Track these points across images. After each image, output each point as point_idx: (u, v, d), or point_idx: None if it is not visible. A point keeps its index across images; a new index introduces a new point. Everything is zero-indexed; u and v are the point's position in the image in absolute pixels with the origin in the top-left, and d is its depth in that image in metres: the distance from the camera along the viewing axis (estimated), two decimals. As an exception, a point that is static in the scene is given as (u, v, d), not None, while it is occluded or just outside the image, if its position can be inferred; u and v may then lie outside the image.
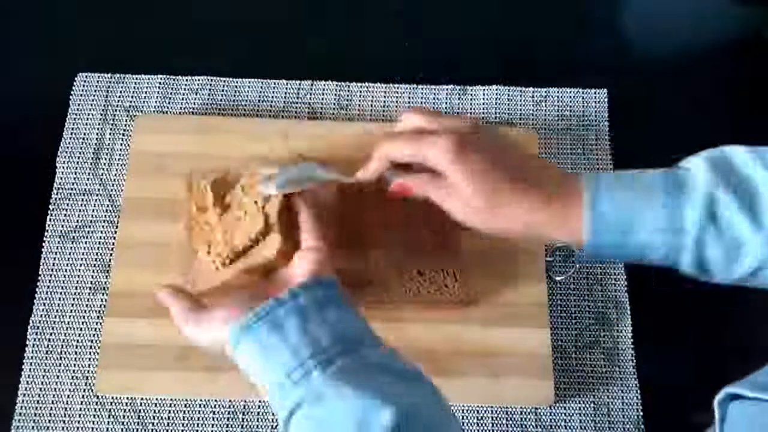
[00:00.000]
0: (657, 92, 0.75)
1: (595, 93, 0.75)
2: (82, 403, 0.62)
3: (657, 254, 0.46)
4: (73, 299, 0.65)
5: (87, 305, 0.65)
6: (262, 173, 0.58)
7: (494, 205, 0.48)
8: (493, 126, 0.48)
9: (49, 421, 0.61)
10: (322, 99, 0.74)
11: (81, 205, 0.68)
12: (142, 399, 0.62)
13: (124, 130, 0.71)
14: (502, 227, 0.49)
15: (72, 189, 0.69)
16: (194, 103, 0.73)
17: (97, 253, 0.67)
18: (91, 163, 0.70)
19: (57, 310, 0.64)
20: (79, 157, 0.70)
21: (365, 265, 0.63)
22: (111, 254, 0.66)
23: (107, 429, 0.61)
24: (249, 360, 0.46)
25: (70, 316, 0.64)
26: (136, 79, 0.74)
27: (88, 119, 0.72)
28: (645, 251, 0.46)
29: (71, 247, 0.67)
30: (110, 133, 0.71)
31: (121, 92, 0.73)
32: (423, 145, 0.49)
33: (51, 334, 0.64)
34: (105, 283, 0.65)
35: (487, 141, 0.50)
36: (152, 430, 0.61)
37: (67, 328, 0.64)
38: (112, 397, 0.62)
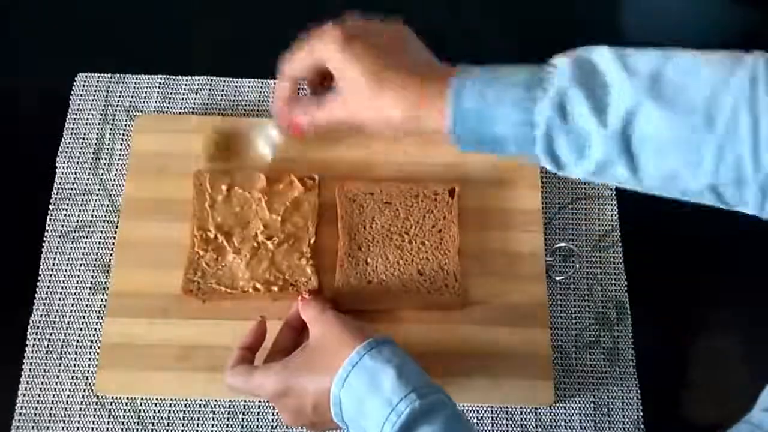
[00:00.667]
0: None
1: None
2: (82, 403, 0.62)
3: (512, 147, 0.48)
4: (73, 299, 0.65)
5: (87, 305, 0.65)
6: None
7: (379, 87, 0.49)
8: (381, 20, 0.52)
9: (49, 421, 0.61)
10: (322, 99, 0.74)
11: (81, 205, 0.68)
12: (142, 399, 0.62)
13: (124, 130, 0.71)
14: (385, 115, 0.50)
15: (72, 189, 0.69)
16: (194, 103, 0.73)
17: (97, 253, 0.67)
18: (91, 163, 0.70)
19: (57, 310, 0.64)
20: (79, 157, 0.70)
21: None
22: (111, 254, 0.66)
23: (107, 429, 0.61)
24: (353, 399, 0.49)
25: (70, 316, 0.64)
26: (136, 79, 0.74)
27: (88, 119, 0.72)
28: (501, 143, 0.48)
29: (71, 247, 0.67)
30: (110, 133, 0.71)
31: (121, 92, 0.73)
32: (312, 43, 0.52)
33: (51, 334, 0.64)
34: (105, 283, 0.65)
35: (374, 29, 0.52)
36: (152, 430, 0.61)
37: (67, 328, 0.64)
38: (112, 397, 0.62)
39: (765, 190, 0.42)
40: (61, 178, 0.69)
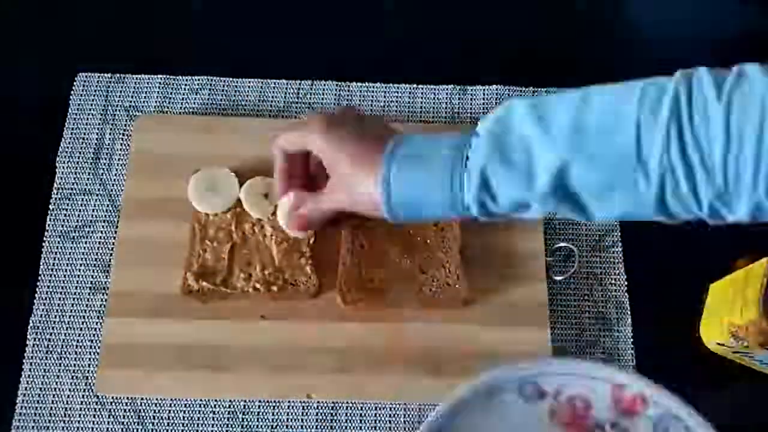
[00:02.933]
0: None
1: (595, 93, 0.75)
2: (82, 403, 0.62)
3: (452, 218, 0.54)
4: (73, 299, 0.65)
5: (87, 305, 0.65)
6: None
7: (357, 171, 0.52)
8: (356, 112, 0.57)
9: (49, 421, 0.61)
10: (322, 99, 0.74)
11: (81, 205, 0.68)
12: (142, 399, 0.62)
13: (124, 130, 0.71)
14: (364, 201, 0.53)
15: (72, 189, 0.69)
16: (194, 103, 0.73)
17: (97, 253, 0.67)
18: (91, 163, 0.70)
19: (57, 310, 0.64)
20: (79, 157, 0.70)
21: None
22: (111, 254, 0.66)
23: (107, 429, 0.61)
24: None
25: (70, 316, 0.64)
26: (136, 79, 0.74)
27: (88, 119, 0.72)
28: (440, 219, 0.53)
29: (71, 247, 0.67)
30: (110, 133, 0.71)
31: (121, 92, 0.73)
32: (303, 128, 0.56)
33: (51, 334, 0.64)
34: (105, 283, 0.65)
35: (352, 118, 0.56)
36: (152, 430, 0.61)
37: (67, 328, 0.64)
38: (112, 397, 0.62)
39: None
40: (61, 178, 0.69)
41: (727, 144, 0.39)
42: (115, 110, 0.72)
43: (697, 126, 0.40)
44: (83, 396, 0.62)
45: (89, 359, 0.63)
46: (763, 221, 0.43)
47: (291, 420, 0.62)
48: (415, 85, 0.75)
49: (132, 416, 0.62)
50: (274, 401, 0.62)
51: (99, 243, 0.67)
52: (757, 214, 0.42)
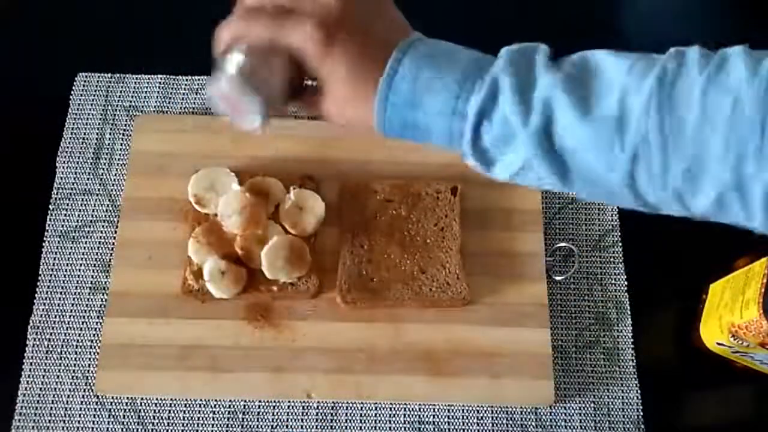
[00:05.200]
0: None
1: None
2: (82, 403, 0.62)
3: (440, 138, 0.45)
4: (73, 299, 0.65)
5: (87, 305, 0.65)
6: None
7: (354, 92, 0.45)
8: None
9: (49, 421, 0.61)
10: (322, 99, 0.74)
11: (81, 205, 0.68)
12: (142, 399, 0.62)
13: (124, 130, 0.71)
14: (361, 117, 0.45)
15: (72, 189, 0.69)
16: (194, 103, 0.73)
17: (97, 253, 0.67)
18: (91, 163, 0.70)
19: (57, 310, 0.64)
20: (79, 157, 0.70)
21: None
22: (111, 254, 0.66)
23: (107, 429, 0.61)
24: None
25: (70, 316, 0.64)
26: (136, 79, 0.74)
27: (88, 119, 0.72)
28: (429, 134, 0.45)
29: (71, 247, 0.67)
30: (110, 133, 0.71)
31: (121, 92, 0.73)
32: (286, 29, 0.44)
33: (51, 334, 0.64)
34: (105, 283, 0.65)
35: (360, 17, 0.46)
36: (152, 430, 0.61)
37: (67, 328, 0.64)
38: (112, 397, 0.62)
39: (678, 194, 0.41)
40: (61, 178, 0.69)
41: (701, 121, 0.39)
42: (115, 110, 0.72)
43: (676, 100, 0.40)
44: (83, 396, 0.62)
45: (89, 359, 0.63)
46: (723, 219, 0.42)
47: (291, 420, 0.62)
48: (415, 85, 0.75)
49: (132, 416, 0.62)
50: (274, 401, 0.62)
51: (99, 243, 0.67)
52: (718, 206, 0.41)
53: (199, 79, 0.74)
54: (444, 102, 0.43)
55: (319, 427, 0.62)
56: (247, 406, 0.62)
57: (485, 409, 0.63)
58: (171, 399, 0.62)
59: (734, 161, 0.39)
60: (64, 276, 0.66)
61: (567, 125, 0.42)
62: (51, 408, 0.61)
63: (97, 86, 0.73)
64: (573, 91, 0.42)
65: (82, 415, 0.61)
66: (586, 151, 0.42)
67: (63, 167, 0.70)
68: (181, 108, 0.73)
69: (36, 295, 0.65)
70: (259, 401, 0.62)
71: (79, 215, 0.68)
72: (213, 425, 0.62)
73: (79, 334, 0.64)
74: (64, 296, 0.65)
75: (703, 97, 0.39)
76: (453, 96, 0.43)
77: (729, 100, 0.39)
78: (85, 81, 0.73)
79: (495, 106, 0.43)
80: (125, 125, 0.72)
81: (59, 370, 0.63)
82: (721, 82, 0.39)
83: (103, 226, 0.68)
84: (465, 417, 0.63)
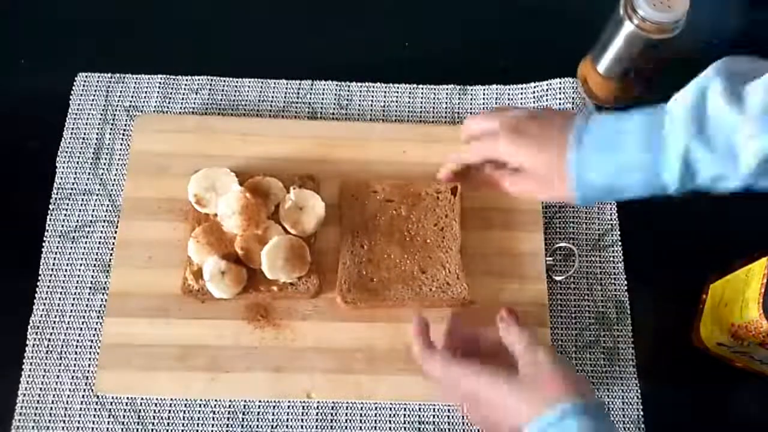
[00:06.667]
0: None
1: (595, 93, 0.75)
2: (82, 403, 0.62)
3: (649, 196, 0.51)
4: (73, 299, 0.65)
5: (87, 305, 0.65)
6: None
7: (548, 179, 0.53)
8: (543, 109, 0.59)
9: (49, 421, 0.61)
10: (322, 99, 0.74)
11: (81, 205, 0.68)
12: (142, 399, 0.62)
13: (124, 130, 0.71)
14: (559, 193, 0.54)
15: (72, 189, 0.69)
16: (194, 103, 0.73)
17: (97, 253, 0.67)
18: (91, 163, 0.70)
19: (57, 310, 0.64)
20: (79, 157, 0.70)
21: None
22: (111, 254, 0.66)
23: (107, 429, 0.61)
24: None
25: (70, 316, 0.64)
26: (136, 79, 0.74)
27: (88, 119, 0.72)
28: (633, 198, 0.52)
29: (71, 247, 0.67)
30: (110, 133, 0.71)
31: (121, 92, 0.73)
32: (488, 148, 0.56)
33: (51, 334, 0.64)
34: (105, 283, 0.65)
35: (525, 115, 0.55)
36: (152, 430, 0.61)
37: (67, 328, 0.64)
38: (112, 397, 0.62)
39: None
40: (61, 178, 0.69)
41: None
42: (115, 110, 0.72)
43: None
44: (83, 396, 0.62)
45: (89, 359, 0.63)
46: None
47: (291, 420, 0.62)
48: (415, 85, 0.75)
49: (132, 416, 0.62)
50: (274, 401, 0.62)
51: (99, 243, 0.67)
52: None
53: (199, 79, 0.74)
54: (638, 183, 0.50)
55: (319, 427, 0.62)
56: (247, 406, 0.62)
57: (485, 409, 0.63)
58: (171, 399, 0.62)
59: None
60: (64, 276, 0.66)
61: None
62: (51, 408, 0.61)
63: (97, 86, 0.73)
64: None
65: (82, 415, 0.61)
66: None
67: (63, 167, 0.70)
68: (181, 108, 0.73)
69: (36, 295, 0.65)
70: (259, 401, 0.62)
71: (79, 215, 0.68)
72: (213, 425, 0.62)
73: (79, 334, 0.64)
74: (64, 296, 0.65)
75: None
76: (646, 176, 0.49)
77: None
78: (85, 81, 0.73)
79: (690, 166, 0.48)
80: (125, 125, 0.72)
81: (59, 370, 0.63)
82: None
83: (103, 226, 0.68)
84: (465, 417, 0.63)
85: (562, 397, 0.48)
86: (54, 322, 0.64)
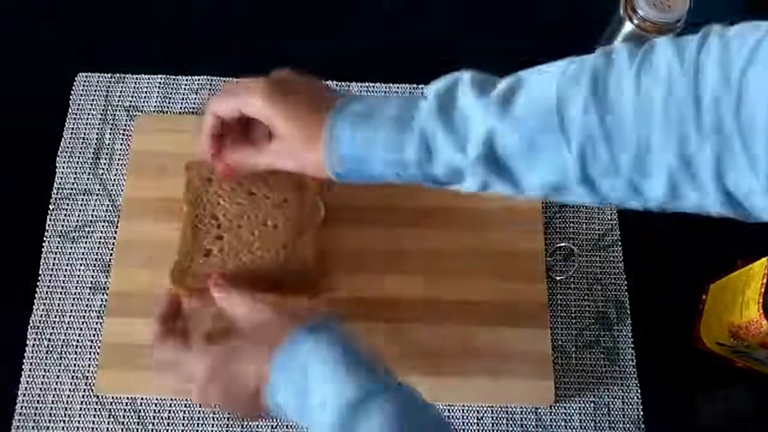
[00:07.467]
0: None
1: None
2: (82, 403, 0.62)
3: (397, 179, 0.51)
4: (73, 299, 0.65)
5: (87, 305, 0.65)
6: None
7: (302, 134, 0.51)
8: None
9: (49, 421, 0.61)
10: (322, 99, 0.74)
11: (81, 205, 0.68)
12: (142, 399, 0.62)
13: (124, 130, 0.71)
14: (311, 161, 0.52)
15: (72, 189, 0.69)
16: (194, 103, 0.73)
17: (97, 253, 0.67)
18: (91, 163, 0.70)
19: (57, 310, 0.64)
20: (79, 157, 0.70)
21: None
22: (111, 254, 0.66)
23: (107, 429, 0.61)
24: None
25: (70, 316, 0.64)
26: (136, 79, 0.74)
27: (88, 119, 0.72)
28: (384, 178, 0.51)
29: (71, 247, 0.67)
30: (110, 133, 0.71)
31: (121, 92, 0.73)
32: (241, 93, 0.53)
33: (51, 334, 0.64)
34: (105, 283, 0.65)
35: (293, 79, 0.54)
36: (152, 430, 0.61)
37: (67, 328, 0.64)
38: (112, 397, 0.62)
39: (631, 183, 0.43)
40: (61, 178, 0.69)
41: (638, 109, 0.41)
42: (115, 110, 0.72)
43: (611, 94, 0.42)
44: (83, 396, 0.62)
45: (89, 359, 0.63)
46: (681, 205, 0.43)
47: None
48: (415, 85, 0.75)
49: (132, 416, 0.62)
50: (274, 401, 0.62)
51: (99, 243, 0.67)
52: (672, 191, 0.42)
53: (198, 79, 0.74)
54: (386, 158, 0.49)
55: (319, 427, 0.62)
56: (247, 406, 0.62)
57: (485, 408, 0.63)
58: (171, 399, 0.62)
59: (677, 142, 0.40)
60: (64, 276, 0.66)
61: (507, 144, 0.45)
62: (51, 408, 0.61)
63: (97, 86, 0.73)
64: (503, 112, 0.45)
65: (82, 415, 0.61)
66: (534, 154, 0.45)
67: (63, 167, 0.70)
68: (181, 108, 0.73)
69: (36, 295, 0.65)
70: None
71: (79, 215, 0.68)
72: (213, 425, 0.62)
73: (79, 334, 0.64)
74: (64, 296, 0.65)
75: (636, 87, 0.42)
76: (391, 154, 0.49)
77: (660, 86, 0.41)
78: (85, 81, 0.73)
79: (431, 151, 0.48)
80: (125, 125, 0.72)
81: (59, 370, 0.63)
82: (651, 71, 0.42)
83: (103, 226, 0.68)
84: (465, 417, 0.63)
85: (295, 326, 0.49)
86: (54, 322, 0.64)
